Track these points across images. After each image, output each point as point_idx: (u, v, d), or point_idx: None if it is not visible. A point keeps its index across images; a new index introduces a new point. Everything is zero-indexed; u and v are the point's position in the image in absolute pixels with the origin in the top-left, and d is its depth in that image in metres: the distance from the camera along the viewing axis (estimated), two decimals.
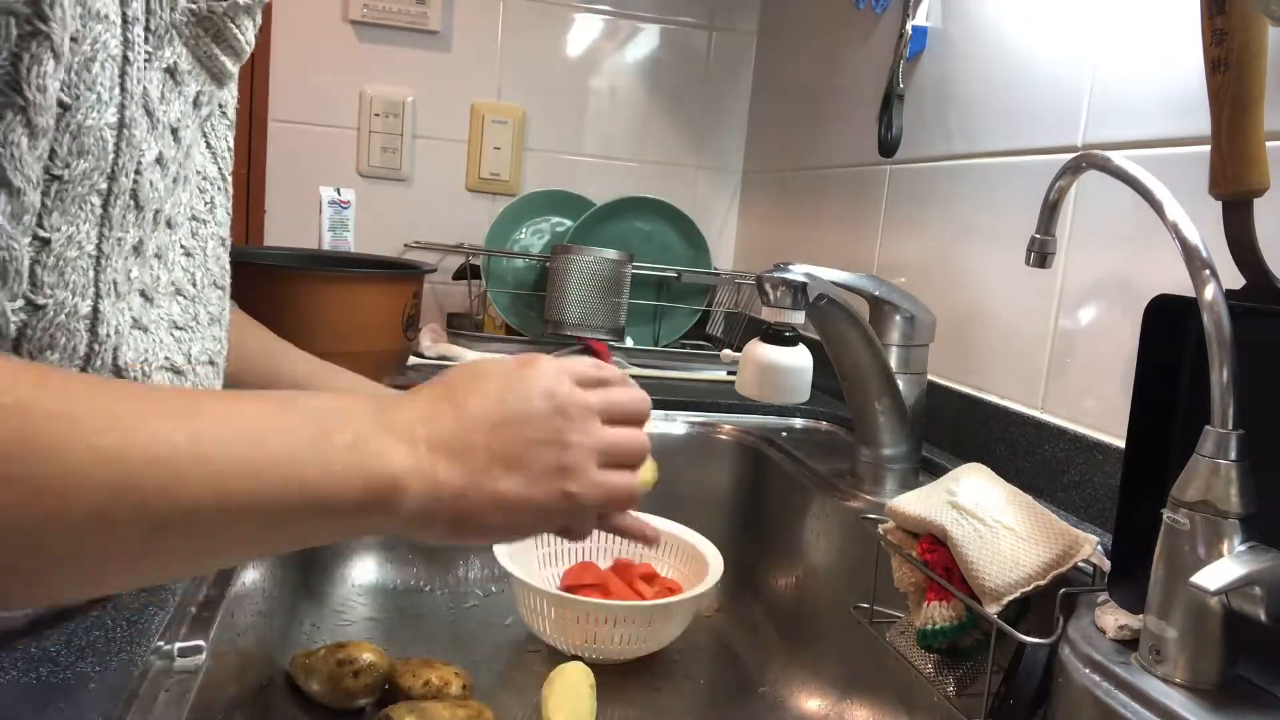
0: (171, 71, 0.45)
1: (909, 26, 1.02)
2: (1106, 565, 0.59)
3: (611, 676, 0.80)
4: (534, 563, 0.93)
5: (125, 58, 0.40)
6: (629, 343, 1.35)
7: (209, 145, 0.54)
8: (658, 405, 1.11)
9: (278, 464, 0.37)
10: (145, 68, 0.42)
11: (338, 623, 0.90)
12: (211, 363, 0.54)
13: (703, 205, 1.62)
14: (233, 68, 0.51)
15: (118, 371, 0.44)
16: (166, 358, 0.48)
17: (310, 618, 0.89)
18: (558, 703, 0.72)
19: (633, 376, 1.24)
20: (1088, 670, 0.49)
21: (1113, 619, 0.51)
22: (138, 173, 0.42)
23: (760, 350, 0.84)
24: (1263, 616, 0.43)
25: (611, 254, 1.30)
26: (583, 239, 1.41)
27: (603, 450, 0.48)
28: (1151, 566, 0.48)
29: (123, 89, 0.41)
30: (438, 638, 0.89)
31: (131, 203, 0.42)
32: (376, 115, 1.49)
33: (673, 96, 1.61)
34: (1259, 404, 0.45)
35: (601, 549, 0.97)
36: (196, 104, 0.49)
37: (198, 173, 0.52)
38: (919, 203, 1.05)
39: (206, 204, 0.54)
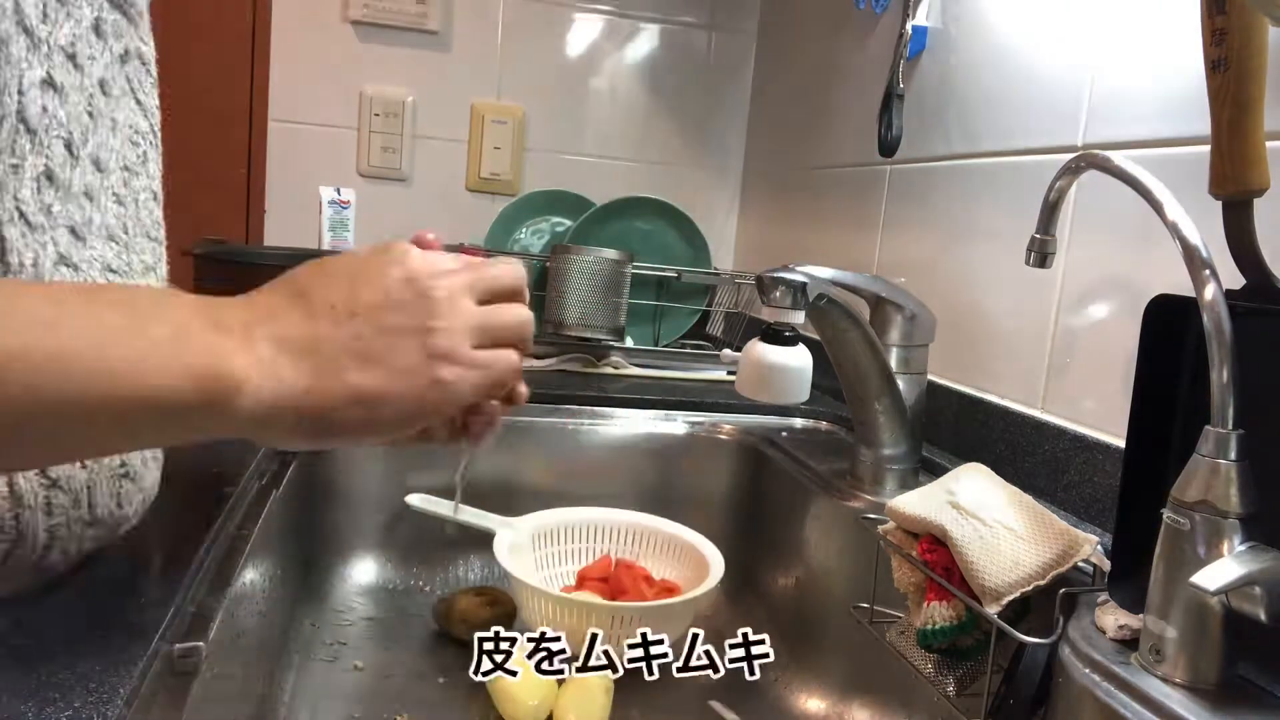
0: None
1: (909, 26, 1.02)
2: (1106, 565, 0.59)
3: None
4: (533, 563, 0.93)
5: None
6: (629, 343, 1.35)
7: (138, 101, 0.54)
8: (658, 405, 1.12)
9: (81, 355, 0.34)
10: None
11: (338, 622, 0.90)
12: None
13: (703, 205, 1.62)
14: None
15: None
16: None
17: (310, 618, 0.89)
18: (568, 702, 0.73)
19: (633, 377, 1.25)
20: (1088, 670, 0.49)
21: (1113, 619, 0.51)
22: (21, 93, 0.41)
23: (760, 350, 0.84)
24: (1263, 616, 0.43)
25: (611, 254, 1.30)
26: (583, 239, 1.41)
27: (477, 328, 0.43)
28: (1151, 566, 0.48)
29: None
30: (438, 639, 0.89)
31: (21, 125, 0.42)
32: (376, 115, 1.49)
33: (673, 96, 1.61)
34: (1259, 404, 0.45)
35: (600, 550, 0.97)
36: (99, 32, 0.48)
37: (129, 125, 0.52)
38: (919, 203, 1.05)
39: (139, 157, 0.53)
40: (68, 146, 0.45)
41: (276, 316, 0.40)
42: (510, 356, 0.45)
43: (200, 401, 0.37)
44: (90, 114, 0.47)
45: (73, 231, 0.46)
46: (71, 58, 0.45)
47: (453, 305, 0.43)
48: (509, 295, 0.46)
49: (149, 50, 0.56)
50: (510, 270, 0.47)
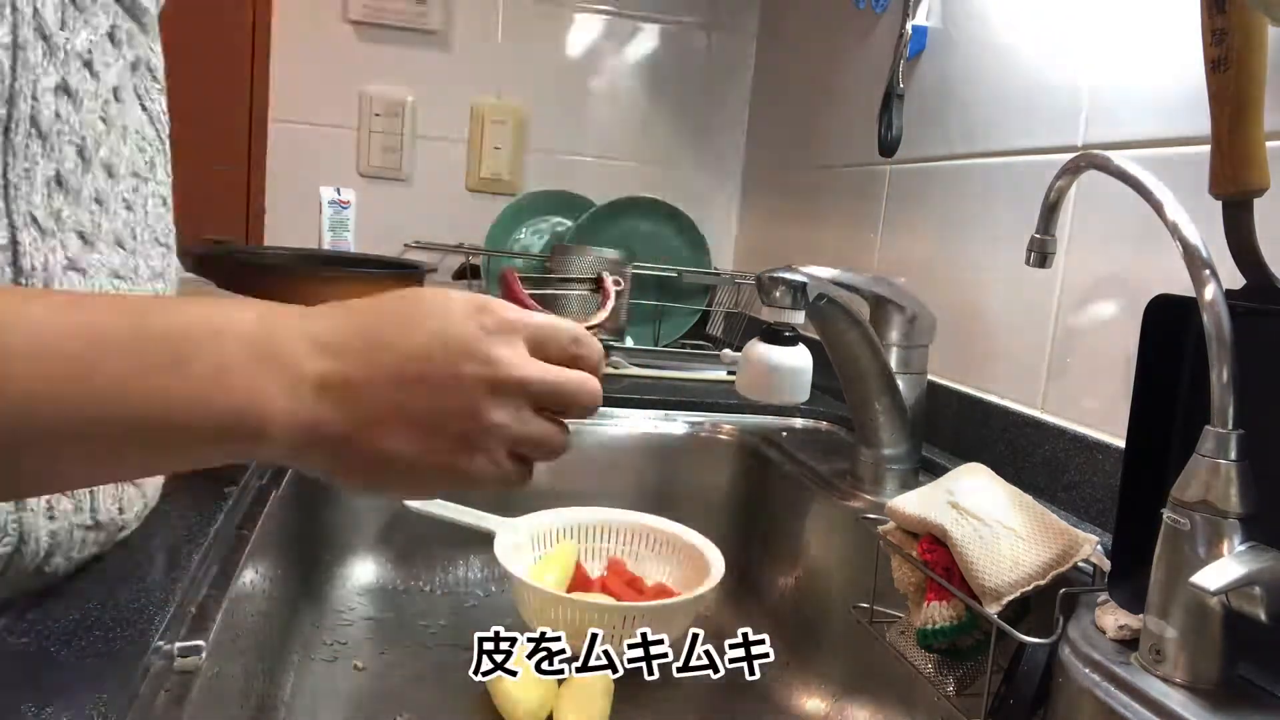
0: None
1: (909, 26, 1.02)
2: (1106, 565, 0.59)
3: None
4: (534, 564, 0.93)
5: None
6: (629, 343, 1.35)
7: (144, 108, 0.54)
8: (658, 405, 1.12)
9: (102, 388, 0.33)
10: None
11: (338, 622, 0.90)
12: None
13: (703, 205, 1.62)
14: (146, 1, 0.52)
15: None
16: None
17: (310, 618, 0.89)
18: (568, 702, 0.73)
19: (633, 377, 1.25)
20: (1088, 670, 0.49)
21: (1113, 619, 0.51)
22: (34, 98, 0.42)
23: (760, 350, 0.84)
24: (1263, 616, 0.43)
25: (611, 254, 1.30)
26: (583, 239, 1.41)
27: (518, 441, 0.41)
28: (1151, 566, 0.48)
29: (13, 8, 0.40)
30: (438, 639, 0.89)
31: (33, 130, 0.42)
32: (376, 115, 1.49)
33: (673, 96, 1.61)
34: (1259, 404, 0.45)
35: (597, 550, 0.97)
36: (114, 39, 0.48)
37: (136, 132, 0.53)
38: (919, 203, 1.05)
39: (147, 163, 0.54)
40: (80, 152, 0.46)
41: (335, 348, 0.38)
42: (525, 471, 0.43)
43: (224, 438, 0.36)
44: (104, 120, 0.48)
45: (81, 236, 0.47)
46: (88, 64, 0.46)
47: (513, 410, 0.40)
48: (574, 408, 0.43)
49: (157, 60, 0.56)
50: (590, 390, 0.44)
